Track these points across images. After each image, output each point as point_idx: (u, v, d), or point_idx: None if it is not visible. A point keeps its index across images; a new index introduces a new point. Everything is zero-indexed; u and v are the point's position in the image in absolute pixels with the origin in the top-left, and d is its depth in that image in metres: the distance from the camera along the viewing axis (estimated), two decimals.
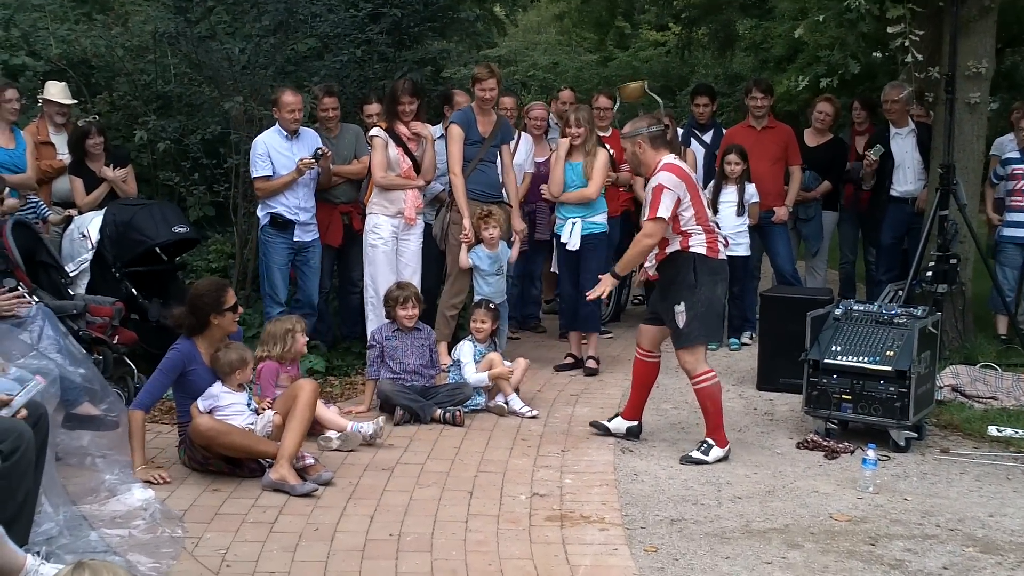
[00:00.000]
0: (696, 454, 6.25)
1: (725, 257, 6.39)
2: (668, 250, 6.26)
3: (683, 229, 6.19)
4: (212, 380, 5.89)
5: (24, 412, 4.42)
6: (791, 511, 5.41)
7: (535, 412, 7.16)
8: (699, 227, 6.21)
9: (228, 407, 5.82)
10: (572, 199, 8.27)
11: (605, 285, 6.47)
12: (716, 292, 6.30)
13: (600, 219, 8.36)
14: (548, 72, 23.16)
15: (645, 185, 9.03)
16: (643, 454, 6.36)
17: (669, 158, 6.29)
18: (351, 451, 6.26)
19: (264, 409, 5.99)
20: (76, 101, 9.06)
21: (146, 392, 5.88)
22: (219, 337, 5.96)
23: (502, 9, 19.46)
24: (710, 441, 6.28)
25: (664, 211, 6.08)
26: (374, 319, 7.99)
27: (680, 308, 6.18)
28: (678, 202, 6.12)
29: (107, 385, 6.12)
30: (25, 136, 8.18)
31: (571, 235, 8.25)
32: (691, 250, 6.19)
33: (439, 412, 6.93)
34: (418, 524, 5.14)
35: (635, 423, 6.69)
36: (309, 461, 5.77)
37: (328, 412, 6.50)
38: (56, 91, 8.56)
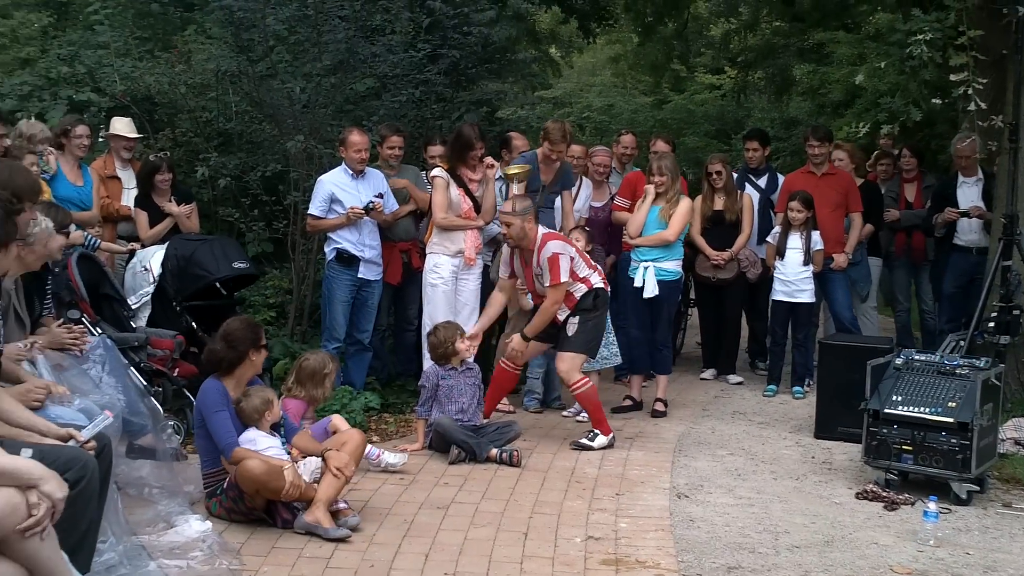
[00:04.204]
0: (584, 440, 7.36)
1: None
2: (577, 295, 7.40)
3: (582, 276, 7.41)
4: (240, 424, 5.64)
5: (92, 443, 4.47)
6: (850, 562, 5.33)
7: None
8: (590, 269, 7.48)
9: (265, 451, 5.55)
10: (650, 242, 8.34)
11: (516, 345, 7.49)
12: (604, 319, 7.57)
13: (674, 266, 8.38)
14: (603, 114, 23.20)
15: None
16: (699, 500, 6.31)
17: (543, 228, 7.52)
18: (406, 485, 6.29)
19: (300, 456, 5.73)
20: (141, 136, 9.20)
21: (225, 433, 5.49)
22: (249, 376, 5.79)
23: (558, 51, 19.54)
24: (596, 431, 7.39)
25: (564, 275, 7.26)
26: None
27: (575, 320, 7.38)
28: (572, 261, 7.33)
29: (163, 417, 6.17)
30: (92, 173, 8.28)
31: (645, 280, 8.31)
32: (594, 287, 7.41)
33: (495, 452, 6.92)
34: (473, 564, 5.12)
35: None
36: (341, 505, 5.63)
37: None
38: (122, 126, 8.69)
